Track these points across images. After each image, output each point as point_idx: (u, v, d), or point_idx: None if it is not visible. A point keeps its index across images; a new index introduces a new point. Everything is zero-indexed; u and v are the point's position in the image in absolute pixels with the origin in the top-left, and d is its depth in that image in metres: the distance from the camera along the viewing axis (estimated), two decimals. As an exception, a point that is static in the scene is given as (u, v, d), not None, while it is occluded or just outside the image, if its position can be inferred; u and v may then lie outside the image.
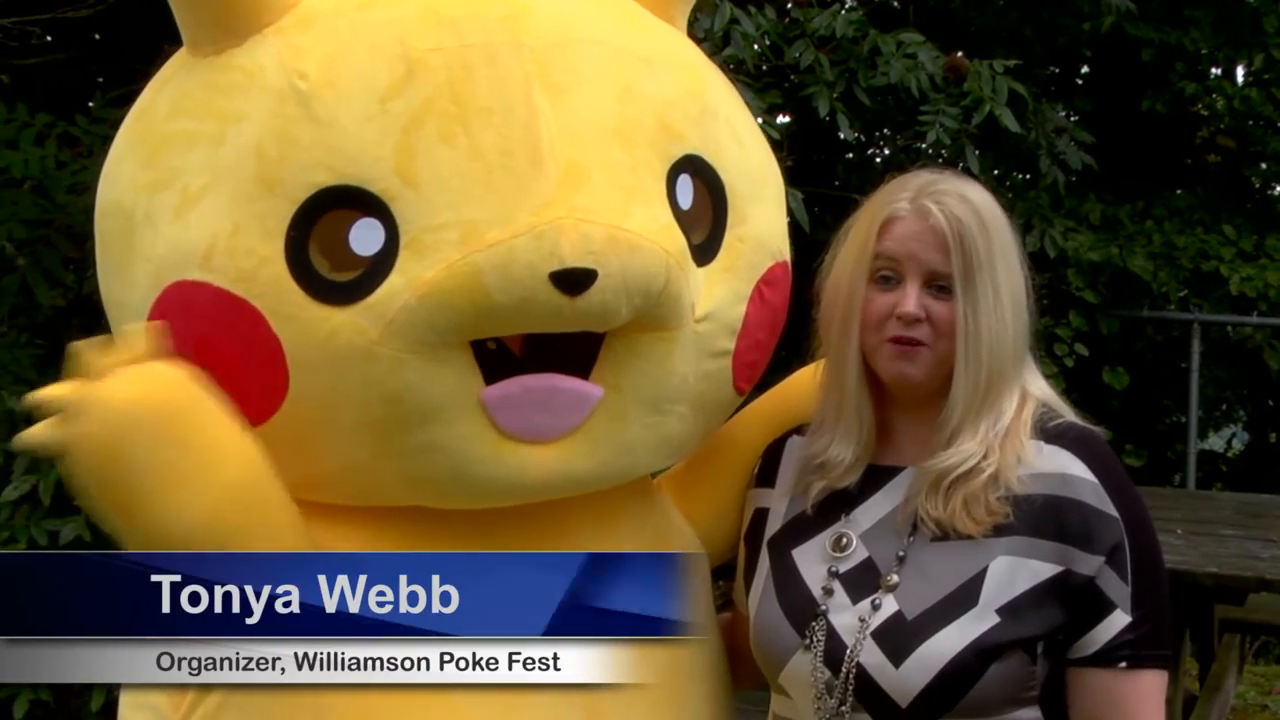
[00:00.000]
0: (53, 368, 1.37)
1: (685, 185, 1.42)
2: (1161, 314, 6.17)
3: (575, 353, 1.37)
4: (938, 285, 1.43)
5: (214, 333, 1.33)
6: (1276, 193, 7.23)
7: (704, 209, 1.44)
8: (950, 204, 1.43)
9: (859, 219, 1.49)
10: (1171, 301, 6.12)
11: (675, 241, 1.36)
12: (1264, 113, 6.32)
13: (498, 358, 1.35)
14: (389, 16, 1.36)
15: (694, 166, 1.43)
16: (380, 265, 1.29)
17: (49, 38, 3.82)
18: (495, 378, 1.33)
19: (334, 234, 1.30)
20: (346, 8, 1.38)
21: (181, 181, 1.34)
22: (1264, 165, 6.94)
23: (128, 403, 1.25)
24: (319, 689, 1.33)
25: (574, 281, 1.27)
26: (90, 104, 3.86)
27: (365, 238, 1.30)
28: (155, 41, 1.48)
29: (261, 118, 1.33)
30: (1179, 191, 6.53)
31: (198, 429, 1.28)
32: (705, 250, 1.44)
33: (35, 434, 1.26)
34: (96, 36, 4.55)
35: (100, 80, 4.41)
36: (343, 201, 1.30)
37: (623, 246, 1.30)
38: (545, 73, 1.34)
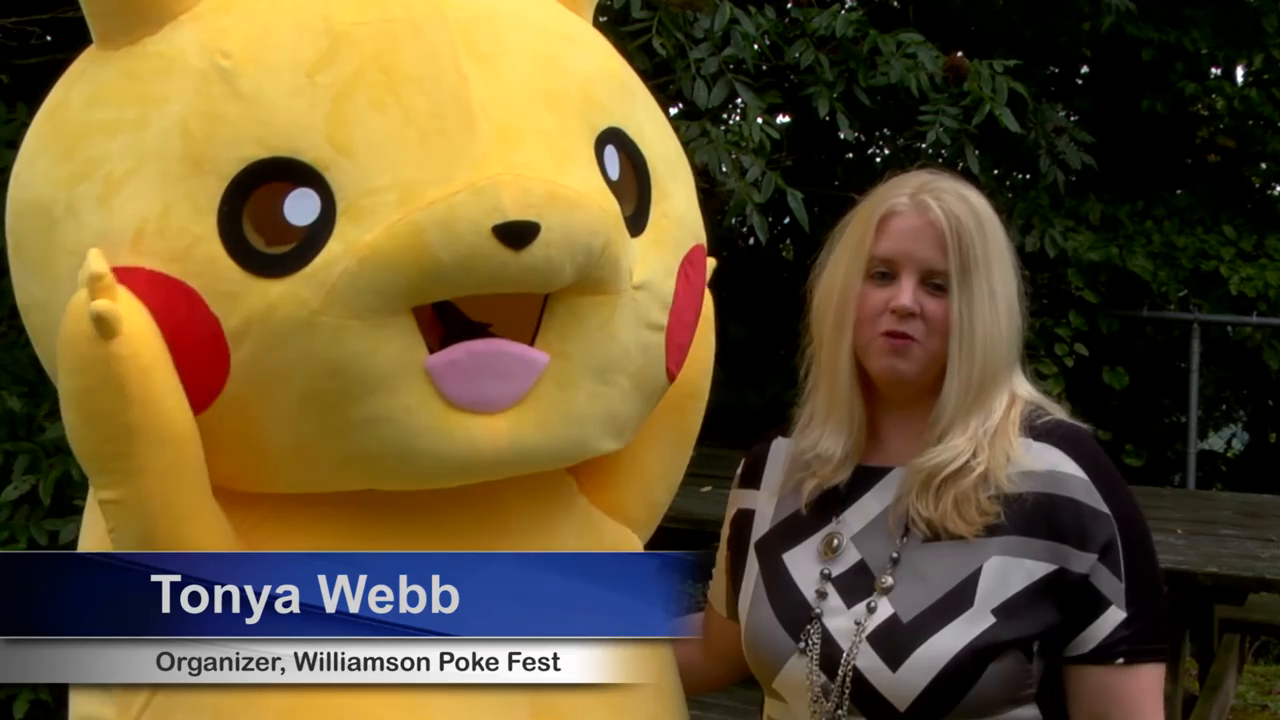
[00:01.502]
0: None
1: (612, 156, 1.41)
2: (1161, 314, 6.18)
3: (513, 332, 1.35)
4: (934, 283, 1.43)
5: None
6: (1276, 193, 7.24)
7: (630, 182, 1.43)
8: (949, 201, 1.44)
9: (855, 216, 1.50)
10: (1171, 301, 6.13)
11: (612, 204, 1.36)
12: (1264, 113, 6.34)
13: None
14: None
15: (619, 140, 1.42)
16: (318, 234, 1.26)
17: (49, 38, 3.81)
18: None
19: (268, 207, 1.27)
20: None
21: (104, 170, 1.31)
22: (1264, 165, 6.95)
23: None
24: (281, 689, 1.32)
25: (517, 235, 1.26)
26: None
27: (300, 208, 1.27)
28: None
29: (185, 98, 1.30)
30: (1179, 191, 6.54)
31: None
32: (635, 222, 1.42)
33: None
34: (96, 37, 4.55)
35: (100, 80, 4.40)
36: (275, 174, 1.27)
37: (563, 202, 1.28)
38: (471, 42, 1.33)
